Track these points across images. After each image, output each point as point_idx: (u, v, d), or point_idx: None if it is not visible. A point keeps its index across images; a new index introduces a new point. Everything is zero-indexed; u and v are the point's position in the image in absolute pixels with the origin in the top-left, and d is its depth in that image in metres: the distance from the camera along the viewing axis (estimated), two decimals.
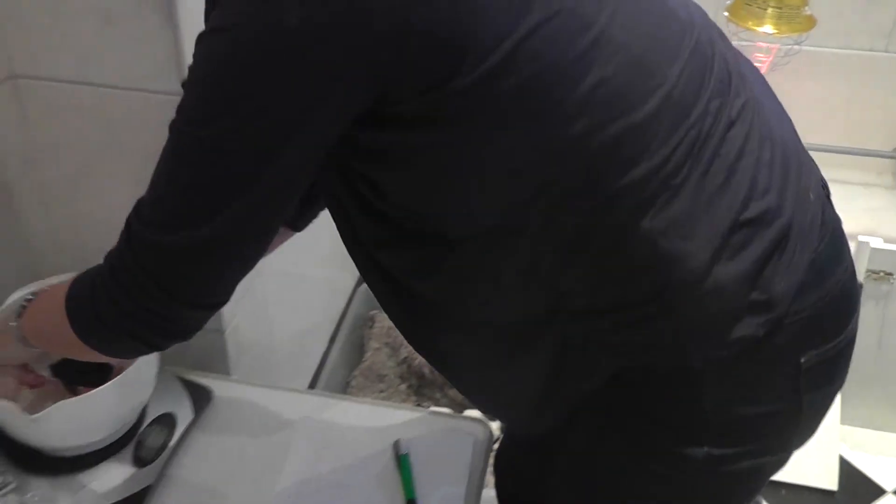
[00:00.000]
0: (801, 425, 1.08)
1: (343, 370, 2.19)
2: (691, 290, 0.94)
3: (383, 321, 2.23)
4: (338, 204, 1.05)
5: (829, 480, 2.31)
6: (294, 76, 0.84)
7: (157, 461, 1.29)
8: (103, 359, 1.09)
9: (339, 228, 1.07)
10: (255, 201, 0.91)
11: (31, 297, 1.18)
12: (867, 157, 2.58)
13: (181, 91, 1.34)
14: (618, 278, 0.95)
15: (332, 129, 0.89)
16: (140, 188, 0.95)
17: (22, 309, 1.15)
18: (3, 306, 1.32)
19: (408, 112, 0.87)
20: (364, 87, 0.85)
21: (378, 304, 1.14)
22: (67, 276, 1.15)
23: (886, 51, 2.62)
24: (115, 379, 1.26)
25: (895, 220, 2.52)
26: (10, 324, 1.15)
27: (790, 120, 1.07)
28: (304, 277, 2.02)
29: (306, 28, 0.81)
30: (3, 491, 1.24)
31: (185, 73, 1.34)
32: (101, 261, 1.00)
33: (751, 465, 1.09)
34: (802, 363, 1.00)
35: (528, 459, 1.22)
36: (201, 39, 0.88)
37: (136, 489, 1.26)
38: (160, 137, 1.34)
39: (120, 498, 1.25)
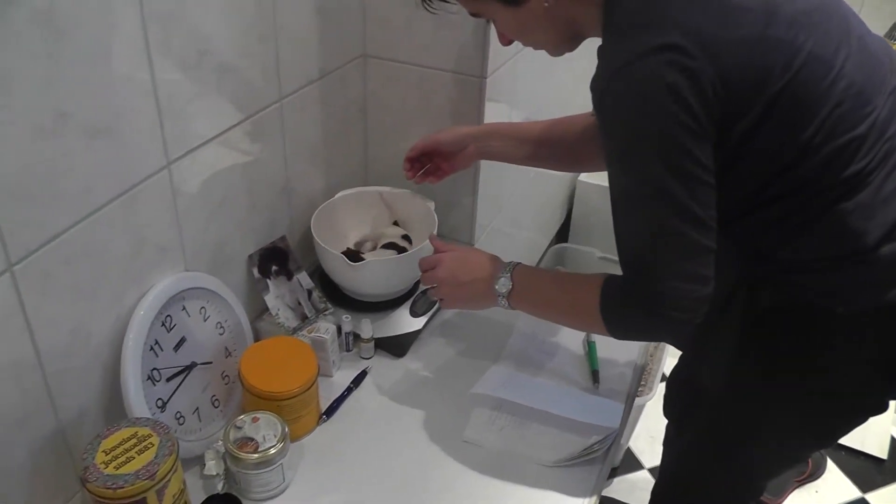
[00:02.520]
0: None
1: None
2: (861, 258, 1.02)
3: None
4: None
5: (881, 450, 2.36)
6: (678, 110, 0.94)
7: (424, 316, 1.50)
8: (599, 332, 1.12)
9: None
10: (693, 219, 0.98)
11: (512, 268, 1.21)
12: None
13: (479, 74, 1.54)
14: (811, 241, 1.04)
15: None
16: None
17: (507, 289, 1.20)
18: (338, 196, 1.58)
19: (716, 131, 0.97)
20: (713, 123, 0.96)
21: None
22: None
23: None
24: (403, 254, 1.48)
25: None
26: (498, 292, 1.20)
27: None
28: (518, 236, 2.20)
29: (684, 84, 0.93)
30: (326, 313, 1.50)
31: (486, 61, 1.53)
32: None
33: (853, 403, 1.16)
34: None
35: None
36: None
37: (409, 330, 1.47)
38: (457, 104, 1.56)
39: (403, 331, 1.47)
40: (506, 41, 1.21)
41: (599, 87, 1.01)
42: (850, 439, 2.33)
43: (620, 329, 1.11)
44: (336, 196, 1.61)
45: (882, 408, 1.17)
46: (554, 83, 2.00)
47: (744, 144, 0.99)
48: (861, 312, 1.05)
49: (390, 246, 1.57)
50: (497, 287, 1.21)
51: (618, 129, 0.99)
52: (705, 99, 0.94)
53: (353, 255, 1.56)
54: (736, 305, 1.11)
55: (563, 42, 1.16)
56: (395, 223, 1.66)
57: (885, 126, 1.01)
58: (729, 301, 1.11)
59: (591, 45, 1.14)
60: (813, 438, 1.26)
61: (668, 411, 1.61)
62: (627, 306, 1.07)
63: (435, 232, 1.50)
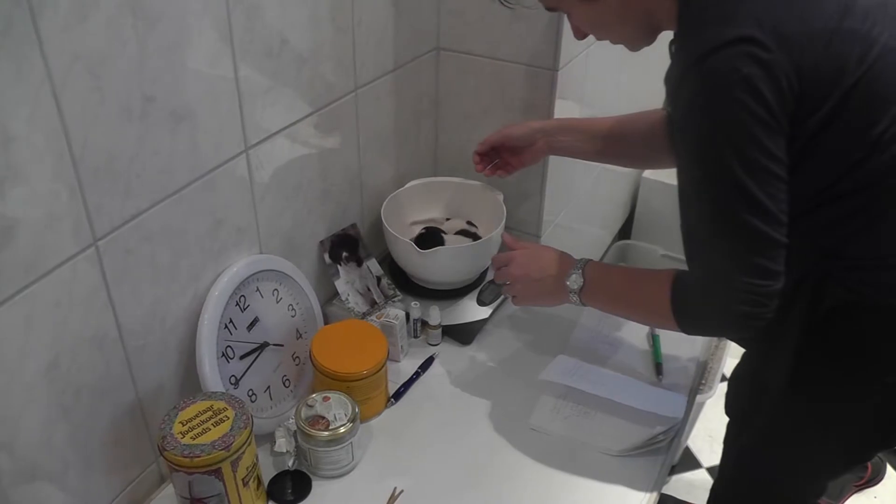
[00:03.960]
0: None
1: None
2: None
3: None
4: None
5: None
6: (751, 105, 0.91)
7: (491, 305, 1.47)
8: (671, 327, 1.11)
9: None
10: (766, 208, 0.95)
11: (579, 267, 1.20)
12: None
13: (551, 67, 1.52)
14: (880, 238, 1.00)
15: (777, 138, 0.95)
16: None
17: (579, 285, 1.20)
18: (407, 186, 1.57)
19: (789, 124, 0.94)
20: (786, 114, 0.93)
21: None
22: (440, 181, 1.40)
23: None
24: (473, 243, 1.47)
25: None
26: (570, 288, 1.19)
27: None
28: (582, 232, 2.17)
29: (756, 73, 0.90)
30: (395, 300, 1.48)
31: (558, 53, 1.49)
32: None
33: None
34: None
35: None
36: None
37: (476, 318, 1.45)
38: (528, 97, 1.53)
39: (470, 320, 1.45)
40: (581, 35, 1.19)
41: (674, 79, 0.98)
42: None
43: (691, 324, 1.08)
44: (406, 185, 1.60)
45: None
46: (623, 79, 1.96)
47: (815, 138, 0.95)
48: None
49: (463, 233, 1.55)
50: (569, 283, 1.20)
51: (691, 122, 0.97)
52: (780, 92, 0.91)
53: (434, 231, 1.55)
54: (800, 302, 1.07)
55: (640, 36, 1.14)
56: (448, 219, 1.63)
57: None
58: (793, 298, 1.06)
59: (660, 41, 1.11)
60: (877, 438, 1.20)
61: (729, 409, 1.56)
62: (698, 302, 1.05)
63: (503, 224, 1.48)
